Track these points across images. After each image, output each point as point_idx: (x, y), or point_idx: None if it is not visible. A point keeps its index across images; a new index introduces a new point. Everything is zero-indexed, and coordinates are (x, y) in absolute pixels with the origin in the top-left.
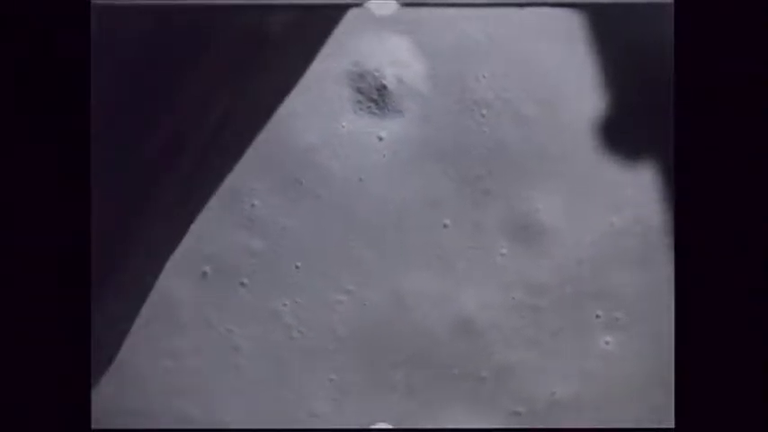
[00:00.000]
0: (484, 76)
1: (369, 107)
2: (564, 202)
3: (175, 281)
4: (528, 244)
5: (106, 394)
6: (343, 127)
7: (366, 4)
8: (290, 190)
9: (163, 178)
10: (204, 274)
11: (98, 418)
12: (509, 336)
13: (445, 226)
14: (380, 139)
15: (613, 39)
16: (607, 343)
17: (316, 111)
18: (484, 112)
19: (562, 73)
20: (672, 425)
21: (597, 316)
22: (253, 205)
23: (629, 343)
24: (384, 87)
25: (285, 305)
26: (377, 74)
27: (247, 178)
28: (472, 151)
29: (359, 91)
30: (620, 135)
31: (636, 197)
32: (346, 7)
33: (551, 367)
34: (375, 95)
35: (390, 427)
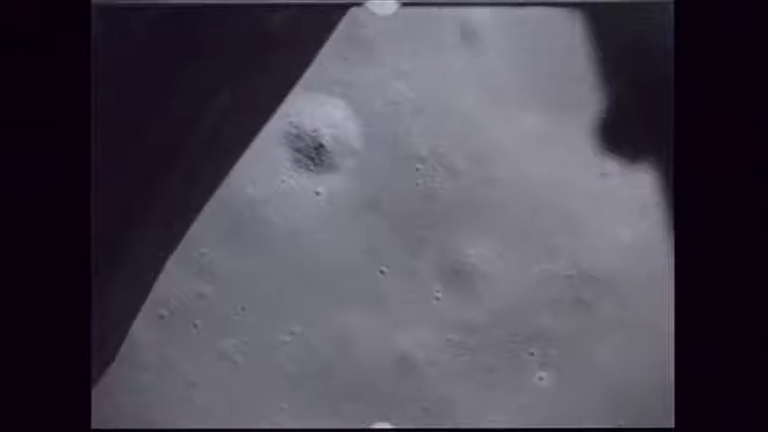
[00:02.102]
0: (416, 133)
1: (306, 164)
2: (496, 250)
3: (137, 322)
4: (461, 288)
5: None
6: (282, 182)
7: (366, 4)
8: (236, 240)
9: (163, 177)
10: (161, 316)
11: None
12: (447, 372)
13: (382, 272)
14: (318, 193)
15: (613, 38)
16: (541, 379)
17: (257, 168)
18: (418, 166)
19: (494, 127)
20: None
21: (531, 354)
22: (202, 254)
23: (562, 378)
24: (321, 146)
25: (235, 345)
26: (314, 133)
27: (197, 229)
28: (406, 202)
29: (297, 150)
30: (620, 135)
31: (569, 244)
32: (346, 7)
33: (489, 401)
34: (312, 153)
35: (390, 427)
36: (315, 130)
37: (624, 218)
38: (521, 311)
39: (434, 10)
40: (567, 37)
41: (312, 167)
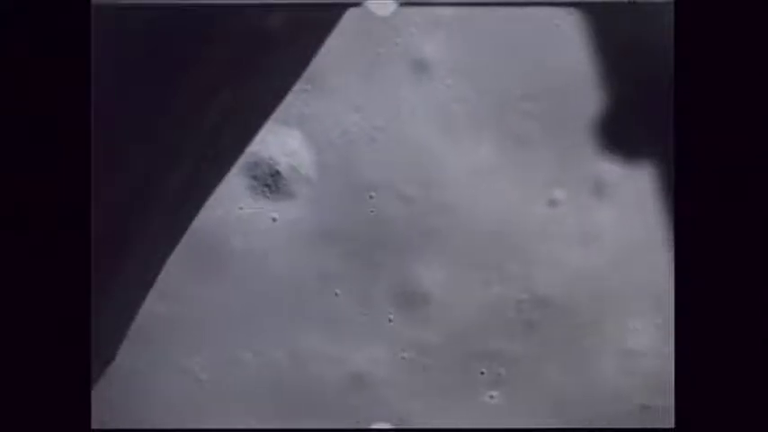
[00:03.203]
0: (369, 163)
1: (263, 191)
2: (448, 274)
3: None
4: (413, 310)
5: None
6: (240, 209)
7: (365, 4)
8: (197, 264)
9: (163, 176)
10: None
11: None
12: (400, 390)
13: (336, 294)
14: (274, 220)
15: (613, 38)
16: (492, 397)
17: (217, 195)
18: (371, 194)
19: (446, 157)
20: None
21: (482, 372)
22: (164, 277)
23: (512, 396)
24: (277, 173)
25: (198, 363)
26: (271, 161)
27: None
28: (360, 228)
29: (254, 178)
30: (620, 135)
31: (520, 269)
32: (345, 7)
33: (443, 417)
34: (269, 181)
35: (390, 426)
36: (272, 158)
37: (572, 244)
38: (473, 334)
39: (385, 44)
40: (519, 70)
41: (269, 194)
